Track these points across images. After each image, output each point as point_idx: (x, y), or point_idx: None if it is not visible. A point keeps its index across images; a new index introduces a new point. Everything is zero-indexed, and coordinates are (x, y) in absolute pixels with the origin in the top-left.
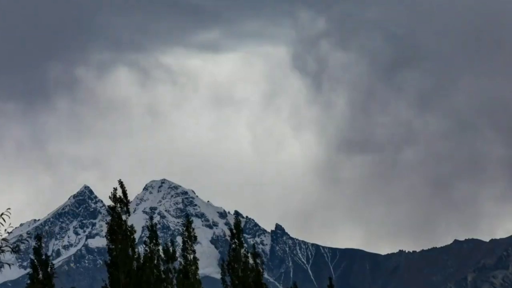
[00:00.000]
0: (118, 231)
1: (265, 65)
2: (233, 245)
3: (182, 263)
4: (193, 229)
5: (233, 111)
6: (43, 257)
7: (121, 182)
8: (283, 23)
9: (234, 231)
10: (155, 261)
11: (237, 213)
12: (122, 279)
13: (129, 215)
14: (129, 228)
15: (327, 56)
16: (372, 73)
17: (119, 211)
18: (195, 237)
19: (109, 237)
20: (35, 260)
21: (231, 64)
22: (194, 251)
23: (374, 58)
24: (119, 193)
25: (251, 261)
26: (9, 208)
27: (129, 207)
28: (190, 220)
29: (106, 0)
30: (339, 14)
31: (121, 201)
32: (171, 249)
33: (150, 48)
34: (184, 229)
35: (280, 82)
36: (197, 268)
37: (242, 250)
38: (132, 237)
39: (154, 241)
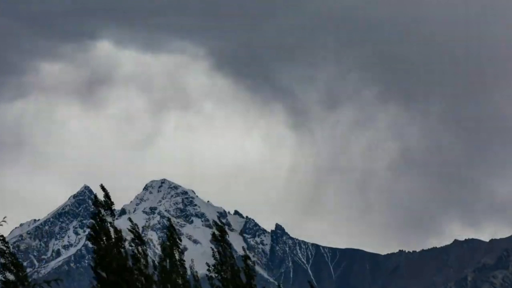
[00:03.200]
0: (99, 234)
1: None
2: (219, 249)
3: (167, 266)
4: (176, 232)
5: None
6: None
7: (103, 186)
8: None
9: (218, 235)
10: (143, 262)
11: (237, 213)
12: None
13: (114, 218)
14: (114, 228)
15: None
16: None
17: (103, 215)
18: (180, 239)
19: (92, 242)
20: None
21: None
22: (181, 252)
23: None
24: (102, 197)
25: (242, 264)
26: (5, 217)
27: (113, 209)
28: (190, 220)
29: None
30: None
31: (104, 205)
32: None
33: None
34: (169, 234)
35: None
36: (184, 268)
37: (229, 253)
38: (117, 237)
39: (137, 241)
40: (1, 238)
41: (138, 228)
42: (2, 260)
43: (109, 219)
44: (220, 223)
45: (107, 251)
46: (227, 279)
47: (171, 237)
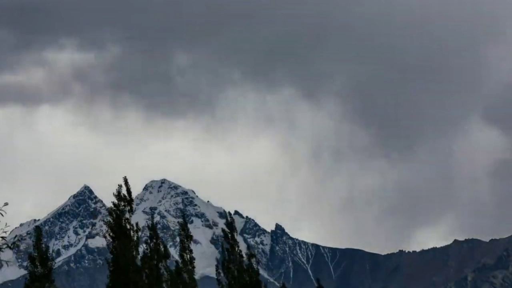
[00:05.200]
0: (117, 229)
1: None
2: (227, 246)
3: (180, 263)
4: (188, 229)
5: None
6: (43, 252)
7: (126, 179)
8: None
9: (228, 231)
10: (155, 260)
11: (237, 213)
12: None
13: (132, 214)
14: (134, 227)
15: None
16: None
17: (122, 209)
18: (191, 236)
19: (110, 236)
20: (35, 255)
21: None
22: (191, 251)
23: None
24: (124, 190)
25: (246, 261)
26: (6, 203)
27: (132, 205)
28: (190, 220)
29: None
30: None
31: (124, 199)
32: (162, 248)
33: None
34: (180, 228)
35: None
36: (193, 267)
37: (237, 250)
38: (136, 235)
39: (154, 240)
40: (38, 230)
41: (156, 225)
42: (34, 253)
43: (126, 215)
44: (229, 219)
45: (125, 251)
46: (234, 276)
47: (184, 233)
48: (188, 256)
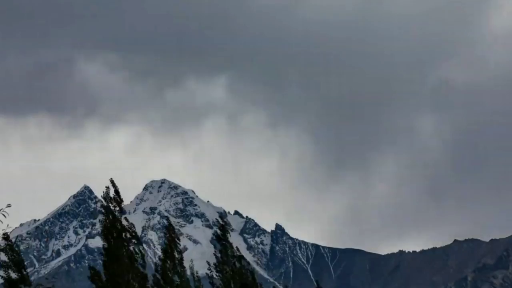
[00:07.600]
0: (113, 230)
1: None
2: (221, 248)
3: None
4: (175, 232)
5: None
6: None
7: (113, 180)
8: None
9: (220, 233)
10: (140, 261)
11: (237, 213)
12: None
13: (123, 215)
14: (126, 226)
15: None
16: None
17: (113, 210)
18: (179, 238)
19: (103, 237)
20: (9, 261)
21: None
22: (180, 252)
23: None
24: (112, 192)
25: (237, 263)
26: (9, 205)
27: (122, 206)
28: (190, 220)
29: None
30: None
31: (114, 200)
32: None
33: None
34: (166, 232)
35: None
36: (183, 268)
37: (230, 252)
38: (128, 236)
39: (134, 241)
40: (5, 236)
41: (134, 227)
42: (6, 258)
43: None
44: (221, 222)
45: (117, 250)
46: (228, 278)
47: (170, 237)
48: (179, 257)
